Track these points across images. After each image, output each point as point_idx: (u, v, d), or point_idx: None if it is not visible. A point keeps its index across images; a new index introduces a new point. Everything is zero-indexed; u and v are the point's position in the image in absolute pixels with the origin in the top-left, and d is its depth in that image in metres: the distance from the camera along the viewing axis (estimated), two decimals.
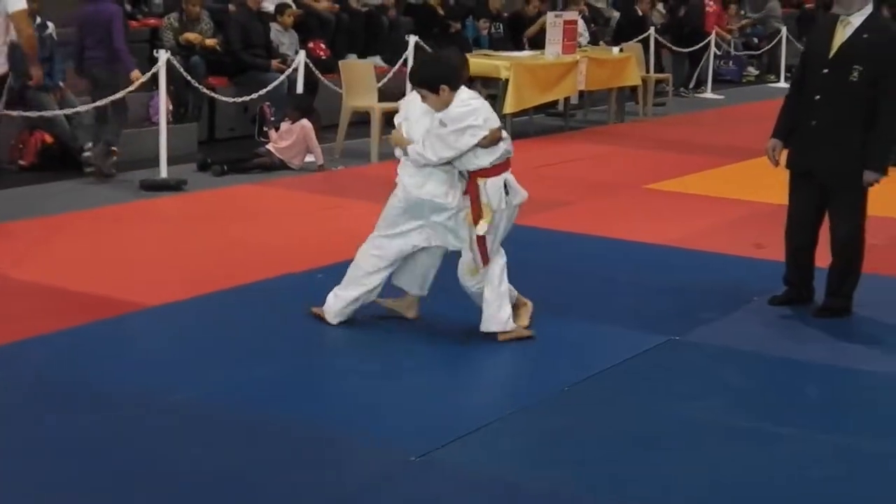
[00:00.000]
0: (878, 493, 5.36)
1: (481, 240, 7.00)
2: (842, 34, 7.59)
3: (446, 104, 6.89)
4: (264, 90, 13.68)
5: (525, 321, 7.23)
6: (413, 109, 7.10)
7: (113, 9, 12.07)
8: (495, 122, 7.03)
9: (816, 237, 7.93)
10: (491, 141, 6.93)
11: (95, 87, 11.89)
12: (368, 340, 7.08)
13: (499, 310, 7.05)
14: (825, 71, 7.60)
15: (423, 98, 6.95)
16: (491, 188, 7.00)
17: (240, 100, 13.56)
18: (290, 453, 5.44)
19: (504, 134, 7.08)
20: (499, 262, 7.16)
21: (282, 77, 13.98)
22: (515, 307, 7.23)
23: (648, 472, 5.46)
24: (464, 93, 6.96)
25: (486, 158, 6.97)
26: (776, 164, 7.96)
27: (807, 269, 8.01)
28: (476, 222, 6.99)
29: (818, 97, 7.62)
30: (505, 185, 7.07)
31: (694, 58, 22.60)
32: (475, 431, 5.76)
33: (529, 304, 7.35)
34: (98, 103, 11.72)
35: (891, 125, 7.59)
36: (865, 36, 7.53)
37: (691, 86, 22.66)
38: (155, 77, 11.97)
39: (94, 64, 11.96)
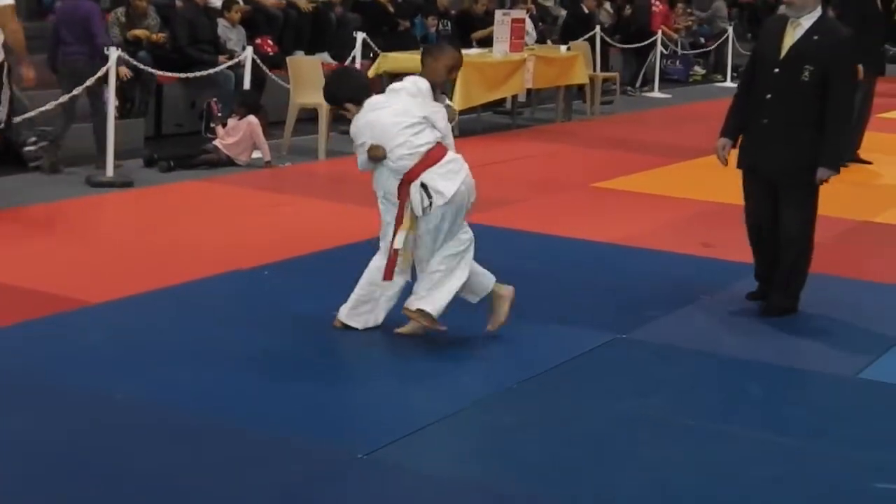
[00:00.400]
0: (818, 493, 5.39)
1: (394, 252, 6.91)
2: (792, 35, 7.70)
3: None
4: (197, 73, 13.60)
5: (500, 317, 7.14)
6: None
7: (89, 5, 12.14)
8: (382, 136, 6.92)
9: (776, 232, 7.98)
10: (373, 158, 6.95)
11: (76, 81, 11.82)
12: (315, 341, 7.05)
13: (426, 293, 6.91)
14: (776, 70, 7.69)
15: (347, 112, 7.08)
16: (413, 192, 6.88)
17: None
18: (234, 451, 5.42)
19: (440, 117, 7.08)
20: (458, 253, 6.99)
21: (222, 66, 13.86)
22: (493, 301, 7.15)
23: (590, 470, 5.47)
24: (365, 106, 7.01)
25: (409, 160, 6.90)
26: (725, 163, 8.03)
27: (771, 264, 8.06)
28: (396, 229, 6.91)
29: (769, 96, 7.71)
30: (425, 188, 6.86)
31: (641, 56, 22.70)
32: (422, 429, 5.76)
33: (506, 294, 7.20)
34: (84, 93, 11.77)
35: (842, 123, 7.74)
36: (815, 38, 7.64)
37: (638, 84, 22.72)
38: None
39: (76, 59, 12.00)
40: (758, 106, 7.80)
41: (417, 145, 6.83)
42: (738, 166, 8.02)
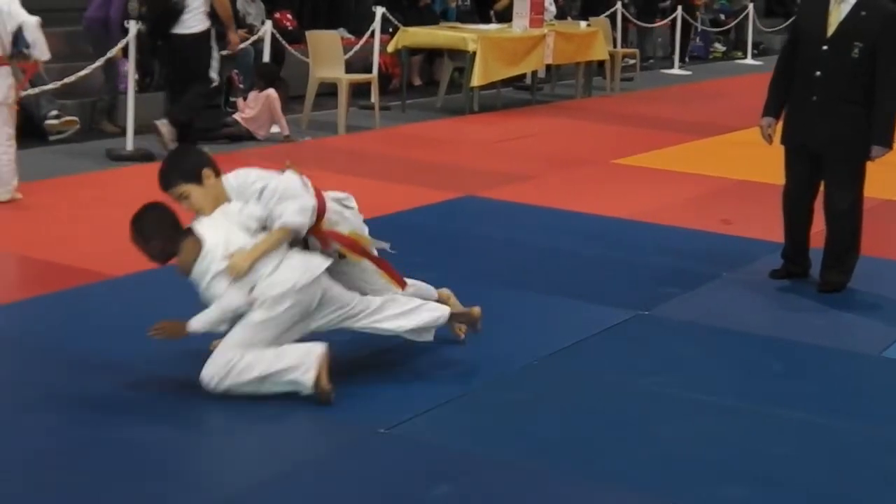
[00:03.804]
0: (837, 469, 5.37)
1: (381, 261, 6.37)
2: (838, 12, 7.71)
3: (217, 193, 5.79)
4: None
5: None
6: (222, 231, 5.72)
7: None
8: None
9: (812, 212, 8.03)
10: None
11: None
12: None
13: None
14: (824, 48, 7.70)
15: (184, 200, 5.81)
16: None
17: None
18: (256, 420, 5.41)
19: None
20: None
21: (244, 44, 13.85)
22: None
23: (608, 447, 5.47)
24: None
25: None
26: (771, 141, 8.01)
27: (802, 244, 8.09)
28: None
29: (818, 73, 7.70)
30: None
31: (684, 32, 22.94)
32: (441, 405, 5.77)
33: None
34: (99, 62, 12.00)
35: (892, 100, 7.71)
36: (863, 13, 7.66)
37: (686, 59, 23.21)
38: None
39: (95, 29, 12.50)
40: (805, 83, 7.79)
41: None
42: (783, 143, 8.00)
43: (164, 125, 11.54)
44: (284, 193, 5.71)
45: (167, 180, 5.80)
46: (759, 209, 10.02)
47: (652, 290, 7.81)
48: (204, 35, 11.64)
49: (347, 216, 6.16)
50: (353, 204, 6.30)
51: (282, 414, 5.53)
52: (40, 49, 9.48)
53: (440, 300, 6.47)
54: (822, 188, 7.95)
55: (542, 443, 5.46)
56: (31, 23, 9.38)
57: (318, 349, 5.59)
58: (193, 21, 11.52)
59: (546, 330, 7.00)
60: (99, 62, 11.85)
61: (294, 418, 5.53)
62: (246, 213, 5.70)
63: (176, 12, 11.45)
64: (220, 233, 5.63)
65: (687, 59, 23.66)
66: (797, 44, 7.93)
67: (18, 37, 9.34)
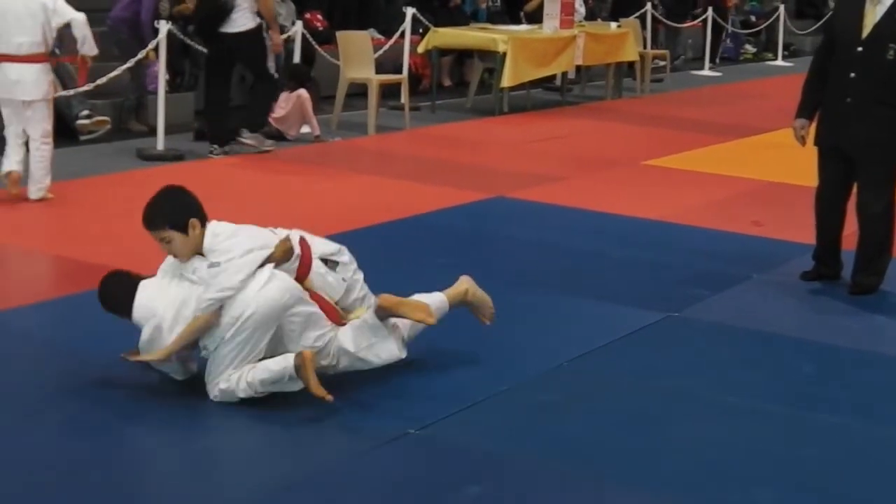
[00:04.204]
0: (863, 472, 5.34)
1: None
2: (874, 14, 7.66)
3: (197, 244, 5.70)
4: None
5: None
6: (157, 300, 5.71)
7: None
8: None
9: (844, 214, 8.01)
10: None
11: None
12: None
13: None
14: (860, 49, 7.66)
15: (165, 244, 5.71)
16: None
17: None
18: (286, 423, 5.41)
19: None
20: None
21: None
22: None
23: (638, 449, 5.45)
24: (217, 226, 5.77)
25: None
26: (804, 143, 7.98)
27: (833, 246, 8.07)
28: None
29: (853, 75, 7.67)
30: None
31: (716, 33, 22.99)
32: (471, 406, 5.76)
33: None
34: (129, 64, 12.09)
35: None
36: None
37: (717, 60, 23.25)
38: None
39: (120, 30, 12.57)
40: (840, 85, 7.75)
41: None
42: (817, 145, 7.98)
43: (248, 138, 12.01)
44: (212, 281, 5.55)
45: (154, 223, 5.71)
46: (790, 211, 9.98)
47: (682, 291, 7.79)
48: (255, 32, 11.92)
49: (330, 281, 5.99)
50: (345, 257, 6.14)
51: (311, 416, 5.52)
52: (89, 45, 9.70)
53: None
54: (854, 190, 7.92)
55: (571, 444, 5.45)
56: (80, 19, 9.57)
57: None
58: (243, 19, 11.76)
59: (575, 331, 6.98)
60: (130, 63, 11.90)
61: (324, 420, 5.52)
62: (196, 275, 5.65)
63: (225, 11, 11.65)
64: (167, 298, 5.66)
65: (717, 61, 23.61)
66: (832, 45, 7.90)
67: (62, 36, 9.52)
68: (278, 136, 12.79)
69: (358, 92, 14.36)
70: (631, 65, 18.55)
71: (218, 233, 5.66)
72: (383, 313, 5.93)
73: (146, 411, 5.53)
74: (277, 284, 5.59)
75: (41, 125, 9.45)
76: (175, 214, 5.66)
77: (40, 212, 9.26)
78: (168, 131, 11.80)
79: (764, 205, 10.50)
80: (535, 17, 17.77)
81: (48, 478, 4.88)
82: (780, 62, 24.90)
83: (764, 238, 9.26)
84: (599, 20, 19.88)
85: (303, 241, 5.90)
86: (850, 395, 6.25)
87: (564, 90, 17.65)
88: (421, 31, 16.35)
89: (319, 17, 16.51)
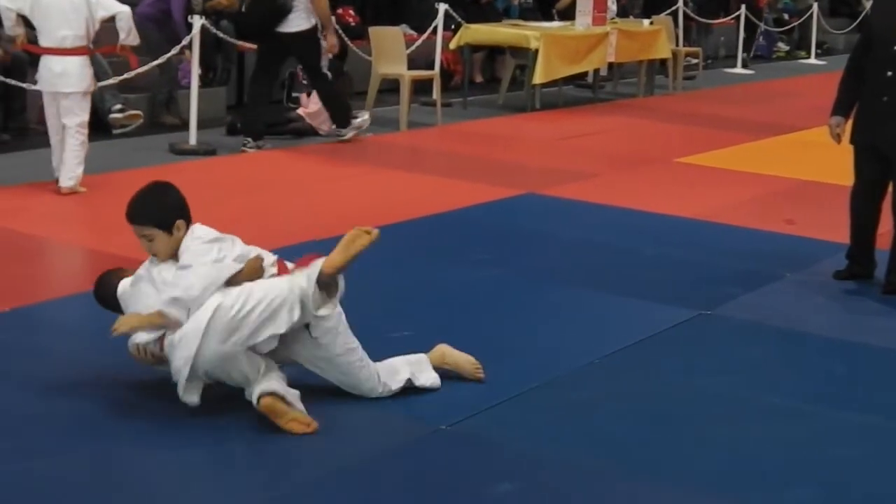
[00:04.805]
0: None
1: None
2: None
3: (178, 245, 5.49)
4: None
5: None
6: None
7: None
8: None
9: (879, 213, 7.99)
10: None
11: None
12: (395, 312, 7.04)
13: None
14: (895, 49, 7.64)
15: (147, 241, 5.52)
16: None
17: None
18: (316, 417, 5.41)
19: None
20: None
21: None
22: None
23: (671, 447, 5.44)
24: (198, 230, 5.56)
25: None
26: (839, 140, 7.96)
27: (867, 245, 8.05)
28: None
29: (890, 73, 7.64)
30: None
31: (749, 30, 23.01)
32: (502, 403, 5.75)
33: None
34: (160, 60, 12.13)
35: None
36: None
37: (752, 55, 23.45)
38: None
39: (147, 26, 12.46)
40: (876, 83, 7.73)
41: None
42: (853, 143, 7.95)
43: (345, 132, 12.54)
44: (178, 281, 5.35)
45: (140, 218, 5.54)
46: (823, 210, 9.95)
47: (714, 289, 7.76)
48: (311, 32, 12.12)
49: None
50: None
51: (342, 411, 5.52)
52: (133, 36, 9.89)
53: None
54: (890, 189, 7.88)
55: (603, 442, 5.43)
56: (126, 12, 9.78)
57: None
58: (299, 20, 12.00)
59: (608, 328, 6.97)
60: (162, 59, 11.90)
61: (354, 415, 5.53)
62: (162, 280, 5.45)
63: (283, 12, 11.89)
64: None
65: (751, 55, 23.54)
66: (868, 43, 7.86)
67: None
68: (311, 132, 12.80)
69: (390, 88, 14.36)
70: (663, 62, 18.51)
71: (198, 235, 5.47)
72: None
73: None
74: (214, 337, 5.24)
75: (78, 116, 9.57)
76: (162, 213, 5.51)
77: (74, 205, 9.30)
78: (200, 126, 11.82)
79: (797, 203, 10.46)
80: (568, 14, 17.77)
81: (81, 470, 4.91)
82: (813, 60, 24.81)
83: (797, 237, 9.23)
84: (632, 17, 19.83)
85: (280, 262, 5.65)
86: (883, 395, 6.21)
87: (596, 87, 17.62)
88: (453, 27, 16.35)
89: (352, 12, 16.51)
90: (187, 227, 5.50)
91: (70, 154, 9.51)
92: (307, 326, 5.46)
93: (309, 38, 12.15)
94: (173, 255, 5.47)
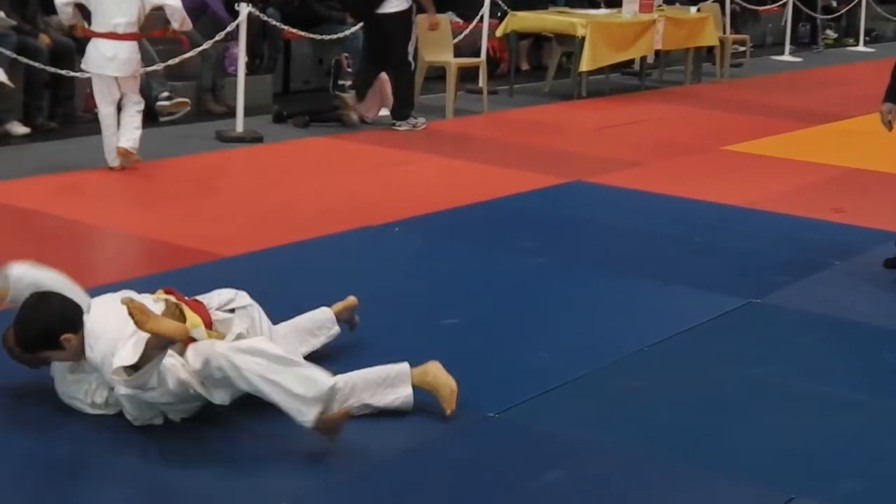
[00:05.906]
0: None
1: None
2: None
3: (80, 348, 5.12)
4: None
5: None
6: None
7: None
8: None
9: None
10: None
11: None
12: (446, 300, 7.04)
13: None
14: None
15: (50, 359, 5.20)
16: None
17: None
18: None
19: None
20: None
21: (353, 28, 13.83)
22: None
23: (720, 436, 5.42)
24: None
25: None
26: (891, 127, 7.91)
27: None
28: None
29: None
30: None
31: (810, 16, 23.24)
32: (551, 390, 5.75)
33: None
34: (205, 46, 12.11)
35: None
36: None
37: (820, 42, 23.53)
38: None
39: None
40: None
41: None
42: None
43: (401, 125, 12.60)
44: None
45: (27, 347, 5.17)
46: (872, 198, 9.89)
47: (763, 278, 7.72)
48: (406, 13, 12.47)
49: (235, 320, 5.53)
50: (245, 300, 5.66)
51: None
52: (186, 23, 10.19)
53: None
54: None
55: (653, 430, 5.41)
56: (177, 1, 9.98)
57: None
58: (396, 1, 12.30)
59: (656, 316, 6.94)
60: (207, 44, 11.92)
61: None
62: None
63: None
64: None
65: (798, 43, 23.43)
66: None
67: None
68: (351, 120, 12.81)
69: (436, 75, 14.34)
70: (710, 49, 18.41)
71: (91, 332, 5.08)
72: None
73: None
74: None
75: (135, 94, 9.97)
76: (42, 338, 5.11)
77: (122, 192, 9.34)
78: (247, 113, 11.84)
79: (845, 191, 10.39)
80: (614, 1, 17.70)
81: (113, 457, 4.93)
82: (861, 48, 24.61)
83: (846, 225, 9.17)
84: (679, 4, 19.71)
85: (194, 302, 5.47)
86: None
87: (643, 75, 17.54)
88: (499, 14, 16.33)
89: None
90: (78, 331, 5.11)
91: (128, 118, 9.87)
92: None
93: (402, 20, 12.40)
94: (82, 355, 5.14)
